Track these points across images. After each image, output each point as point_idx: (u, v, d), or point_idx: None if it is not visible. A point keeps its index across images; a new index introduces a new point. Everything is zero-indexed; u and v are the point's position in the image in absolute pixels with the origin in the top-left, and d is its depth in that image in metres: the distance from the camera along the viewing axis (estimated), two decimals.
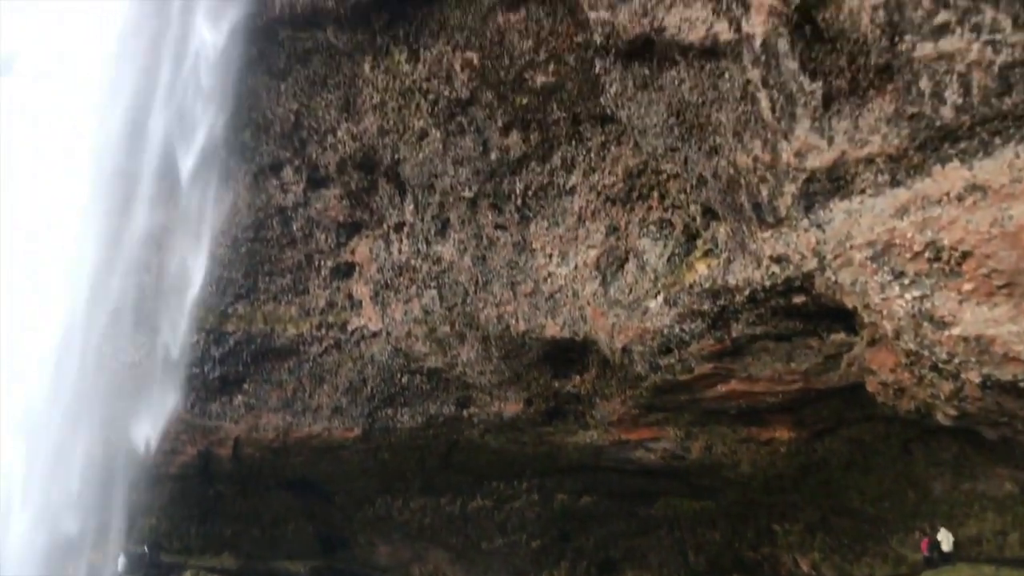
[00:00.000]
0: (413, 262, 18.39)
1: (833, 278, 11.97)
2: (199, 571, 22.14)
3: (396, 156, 17.79)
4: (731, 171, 12.57)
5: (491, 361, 18.07)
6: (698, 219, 14.45)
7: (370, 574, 22.68)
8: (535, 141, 15.94)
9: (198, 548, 21.99)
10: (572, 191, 15.95)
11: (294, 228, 19.71)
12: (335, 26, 17.51)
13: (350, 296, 19.60)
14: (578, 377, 18.02)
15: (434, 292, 18.18)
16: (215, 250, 19.85)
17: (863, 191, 10.86)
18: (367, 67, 17.67)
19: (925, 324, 11.38)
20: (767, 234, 12.48)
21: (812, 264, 12.17)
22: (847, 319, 13.44)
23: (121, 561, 20.59)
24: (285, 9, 17.95)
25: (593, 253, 15.97)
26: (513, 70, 15.45)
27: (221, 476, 21.57)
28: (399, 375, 19.53)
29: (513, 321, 17.25)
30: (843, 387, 15.30)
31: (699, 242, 14.58)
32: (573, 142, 15.60)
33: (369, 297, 19.20)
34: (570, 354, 17.49)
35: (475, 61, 15.94)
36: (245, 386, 21.10)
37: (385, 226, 18.65)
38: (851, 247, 11.33)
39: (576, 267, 16.24)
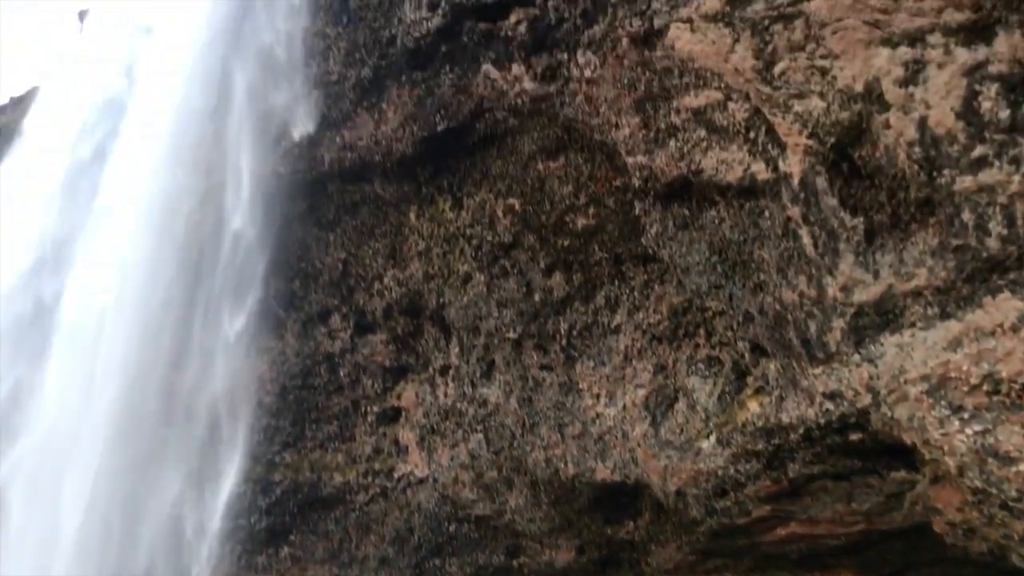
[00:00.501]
0: (459, 405, 18.29)
1: (889, 414, 11.61)
2: None
3: (441, 300, 18.04)
4: (777, 307, 12.49)
5: (540, 507, 17.63)
6: (747, 356, 14.26)
7: None
8: (578, 282, 16.07)
9: None
10: (617, 330, 15.92)
11: (341, 374, 19.83)
12: (382, 179, 18.13)
13: (396, 442, 19.46)
14: (631, 523, 17.45)
15: (480, 436, 17.97)
16: (263, 399, 20.01)
17: (913, 324, 10.66)
18: (413, 216, 18.16)
19: (990, 460, 10.91)
20: (818, 370, 12.23)
21: (866, 400, 11.84)
22: (907, 456, 12.93)
23: None
24: (334, 164, 18.68)
25: (641, 393, 15.76)
26: (554, 214, 15.75)
27: None
28: (447, 523, 19.11)
29: (562, 465, 16.92)
30: (908, 528, 14.57)
31: (749, 379, 14.34)
32: (616, 282, 15.69)
33: (415, 442, 19.04)
34: (622, 498, 17.01)
35: (517, 207, 16.30)
36: (291, 537, 20.78)
37: (431, 370, 18.68)
38: (905, 382, 11.03)
39: (624, 407, 16.01)
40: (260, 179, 19.47)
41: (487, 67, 15.64)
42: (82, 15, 29.92)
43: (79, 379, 19.55)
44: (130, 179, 20.94)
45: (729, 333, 14.36)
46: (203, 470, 20.08)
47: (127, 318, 19.50)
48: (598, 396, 16.23)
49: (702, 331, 14.89)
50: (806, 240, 11.46)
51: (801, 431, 13.33)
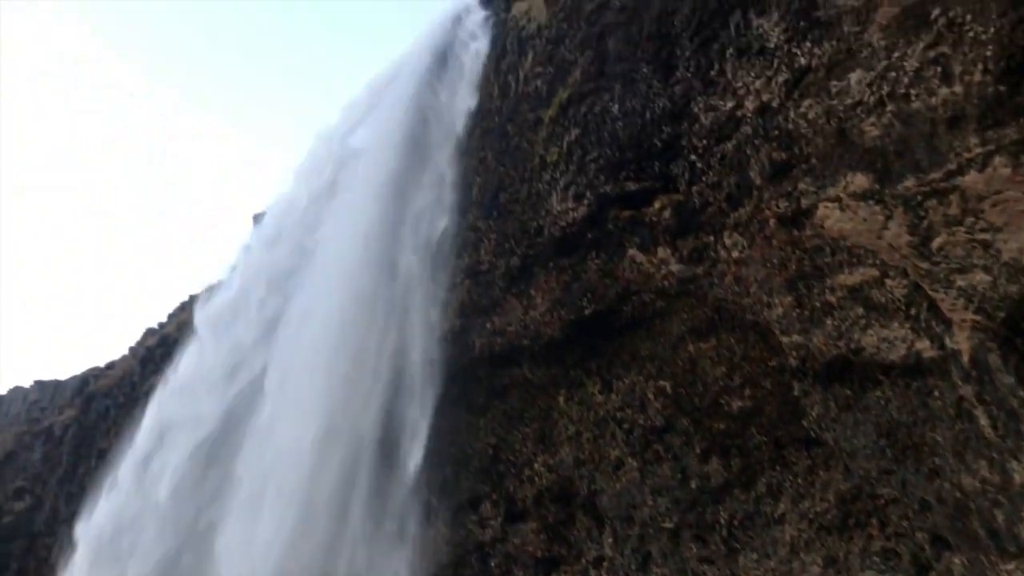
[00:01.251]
0: None
1: None
2: None
3: (593, 487, 17.59)
4: (957, 495, 11.50)
5: None
6: (927, 548, 13.06)
7: None
8: (737, 467, 15.37)
9: None
10: (781, 519, 14.98)
11: (492, 565, 19.37)
12: (530, 362, 18.26)
13: None
14: None
15: None
16: None
17: None
18: (562, 399, 18.09)
19: None
20: (1011, 566, 11.06)
21: None
22: None
23: None
24: (484, 349, 19.02)
25: None
26: (708, 396, 15.33)
27: None
28: None
29: None
30: None
31: (932, 575, 13.08)
32: (778, 467, 14.90)
33: None
34: None
35: (668, 389, 16.00)
36: None
37: (584, 561, 18.00)
38: None
39: None
40: (423, 367, 20.09)
41: (633, 251, 15.81)
42: (257, 217, 32.45)
43: None
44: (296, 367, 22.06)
45: (905, 523, 13.25)
46: None
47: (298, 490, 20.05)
48: None
49: (875, 520, 13.81)
50: (983, 421, 10.66)
51: None
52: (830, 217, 12.12)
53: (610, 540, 17.23)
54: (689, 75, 14.66)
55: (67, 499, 35.67)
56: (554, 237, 17.27)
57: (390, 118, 23.24)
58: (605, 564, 17.46)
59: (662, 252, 15.23)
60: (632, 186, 15.60)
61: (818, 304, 12.76)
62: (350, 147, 24.59)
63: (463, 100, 21.82)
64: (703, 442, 15.57)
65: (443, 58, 23.07)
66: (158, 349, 35.29)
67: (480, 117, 21.23)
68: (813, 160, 12.28)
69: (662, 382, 15.98)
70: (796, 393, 13.61)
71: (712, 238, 14.32)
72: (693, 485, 15.71)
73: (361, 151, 23.80)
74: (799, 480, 14.56)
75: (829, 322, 12.61)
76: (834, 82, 11.72)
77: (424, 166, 21.72)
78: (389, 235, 21.32)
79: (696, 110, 14.37)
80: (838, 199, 11.87)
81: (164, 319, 42.53)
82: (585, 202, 16.43)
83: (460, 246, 20.80)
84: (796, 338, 12.98)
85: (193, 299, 35.68)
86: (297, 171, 26.86)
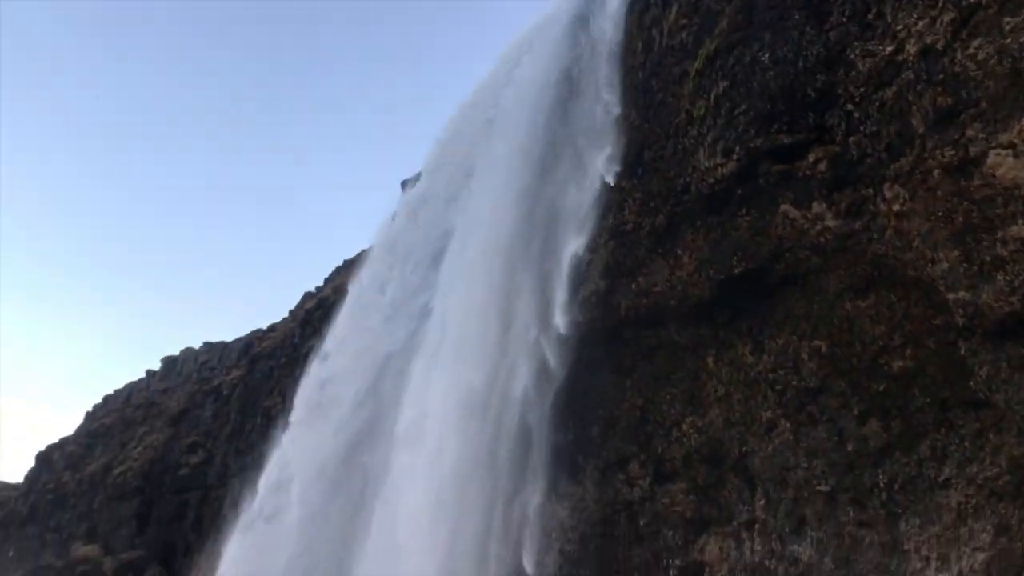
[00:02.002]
0: (767, 563, 17.09)
1: None
2: None
3: (744, 449, 17.25)
4: None
5: None
6: None
7: None
8: (897, 430, 14.71)
9: None
10: (947, 484, 14.26)
11: (641, 524, 19.36)
12: (678, 324, 18.01)
13: None
14: None
15: None
16: (564, 546, 19.92)
17: None
18: (711, 361, 17.77)
19: None
20: None
21: None
22: None
23: None
24: (630, 311, 18.88)
25: (981, 557, 13.86)
26: (866, 356, 14.72)
27: None
28: None
29: None
30: None
31: None
32: (942, 430, 14.16)
33: None
34: None
35: (823, 349, 15.45)
36: None
37: (735, 523, 17.73)
38: None
39: (960, 572, 14.15)
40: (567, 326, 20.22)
41: (786, 207, 15.28)
42: (404, 183, 33.27)
43: None
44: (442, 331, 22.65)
45: None
46: None
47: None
48: (928, 559, 14.48)
49: None
50: None
51: None
52: (1002, 165, 11.33)
53: (762, 502, 16.89)
54: (844, 20, 13.97)
55: (236, 454, 37.93)
56: (702, 194, 16.89)
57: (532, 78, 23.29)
58: (757, 527, 17.15)
59: (817, 207, 14.66)
60: (784, 139, 15.06)
61: (988, 258, 11.99)
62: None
63: (604, 58, 21.60)
64: (861, 404, 14.97)
65: (583, 19, 22.87)
66: (316, 312, 36.85)
67: (623, 74, 20.93)
68: (983, 104, 11.49)
69: (817, 342, 15.44)
70: (963, 353, 12.87)
71: (871, 191, 13.66)
72: (850, 448, 15.16)
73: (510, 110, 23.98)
74: (966, 444, 13.80)
75: (1000, 277, 11.83)
76: (1007, 19, 10.90)
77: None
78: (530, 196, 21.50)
79: (852, 57, 13.70)
80: (1011, 145, 11.08)
81: (321, 283, 44.39)
82: (734, 157, 15.97)
83: (604, 207, 20.68)
84: (963, 294, 12.25)
85: (348, 264, 37.01)
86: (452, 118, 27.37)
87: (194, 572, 34.79)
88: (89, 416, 60.76)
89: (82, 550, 43.21)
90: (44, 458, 57.78)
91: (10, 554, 47.42)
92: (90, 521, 45.34)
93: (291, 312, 45.26)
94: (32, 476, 57.32)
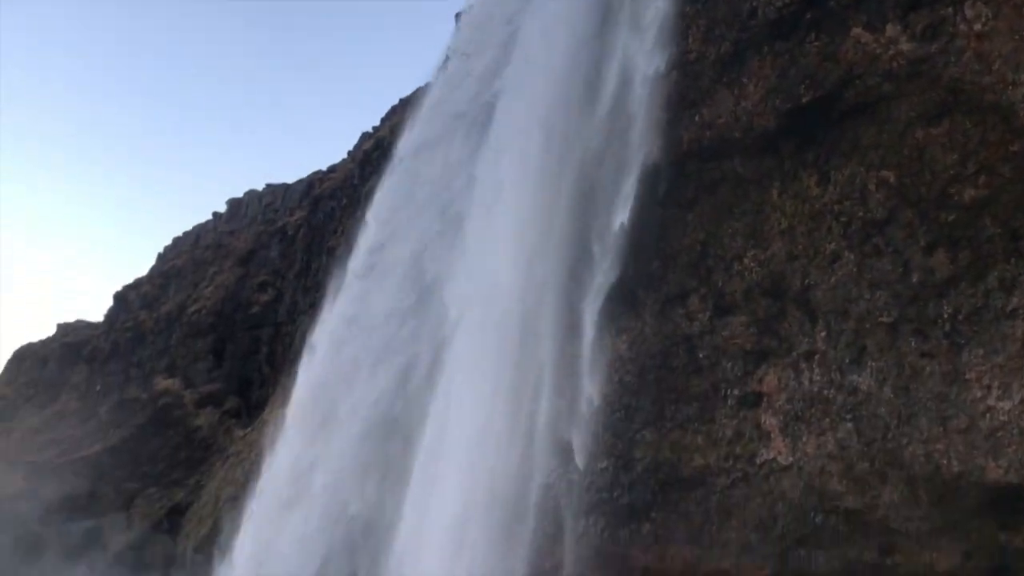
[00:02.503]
0: (826, 392, 17.34)
1: None
2: None
3: (806, 281, 17.19)
4: None
5: (919, 505, 16.19)
6: None
7: None
8: (965, 260, 14.48)
9: None
10: (1013, 315, 14.14)
11: (700, 356, 19.64)
12: (742, 155, 17.65)
13: (758, 427, 18.87)
14: None
15: (850, 425, 16.89)
16: (623, 377, 20.37)
17: None
18: (775, 193, 17.49)
19: None
20: None
21: None
22: None
23: None
24: (693, 144, 18.52)
25: None
26: (936, 186, 14.35)
27: None
28: (812, 514, 18.21)
29: (944, 461, 15.42)
30: None
31: None
32: (1012, 260, 13.91)
33: (778, 429, 18.34)
34: (1018, 503, 15.17)
35: (892, 179, 15.09)
36: (652, 514, 20.95)
37: (794, 354, 17.89)
38: None
39: (1022, 401, 14.22)
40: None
41: (857, 31, 14.60)
42: (458, 16, 32.39)
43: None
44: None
45: None
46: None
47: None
48: (989, 388, 14.54)
49: None
50: None
51: None
52: None
53: (823, 334, 16.95)
54: None
55: (303, 292, 39.04)
56: (769, 19, 16.20)
57: None
58: (816, 358, 17.29)
59: (891, 30, 13.98)
60: None
61: None
62: None
63: None
64: (928, 234, 14.71)
65: None
66: (374, 152, 36.91)
67: None
68: None
69: (885, 172, 15.05)
70: None
71: (950, 10, 12.96)
72: (915, 279, 15.01)
73: None
74: None
75: None
76: None
77: None
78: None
79: None
80: None
81: (378, 123, 44.19)
82: None
83: (666, 36, 19.96)
84: None
85: (404, 102, 36.64)
86: None
87: (269, 404, 36.53)
88: (161, 257, 62.68)
89: (164, 383, 45.57)
90: (121, 298, 60.13)
91: (97, 388, 50.23)
92: (169, 357, 47.59)
93: (350, 153, 45.40)
94: (111, 315, 59.83)
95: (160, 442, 42.36)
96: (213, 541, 31.91)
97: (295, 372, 30.13)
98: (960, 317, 14.60)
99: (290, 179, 51.69)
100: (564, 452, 21.12)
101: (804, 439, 17.91)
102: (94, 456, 41.81)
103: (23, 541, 36.32)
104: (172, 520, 37.82)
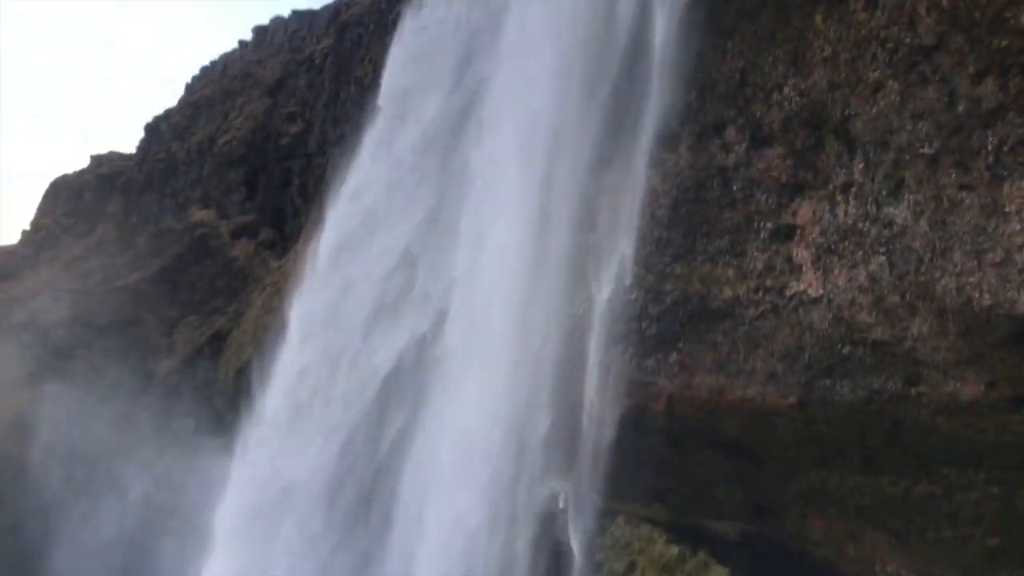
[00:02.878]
0: (860, 225, 17.19)
1: None
2: (631, 518, 23.11)
3: (846, 112, 16.72)
4: None
5: (947, 337, 16.32)
6: None
7: (801, 547, 21.90)
8: (1015, 89, 13.93)
9: (631, 496, 22.89)
10: None
11: (734, 189, 19.45)
12: None
13: (790, 260, 18.88)
14: None
15: (883, 258, 16.82)
16: (656, 211, 20.28)
17: None
18: (819, 18, 16.83)
19: None
20: None
21: None
22: None
23: (562, 498, 22.12)
24: None
25: None
26: (991, 9, 13.66)
27: (654, 430, 22.08)
28: (840, 345, 18.46)
29: (976, 294, 15.38)
30: None
31: None
32: None
33: (810, 261, 18.33)
34: None
35: (944, 2, 14.37)
36: (680, 345, 21.39)
37: (831, 186, 17.64)
38: None
39: None
40: None
41: None
42: None
43: None
44: None
45: None
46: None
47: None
48: None
49: None
50: None
51: None
52: None
53: (860, 166, 16.63)
54: None
55: (333, 123, 38.68)
56: None
57: None
58: (853, 190, 17.04)
59: None
60: None
61: None
62: None
63: None
64: (978, 61, 14.12)
65: None
66: None
67: None
68: None
69: None
70: None
71: None
72: (960, 108, 14.53)
73: None
74: None
75: None
76: None
77: None
78: None
79: None
80: None
81: None
82: None
83: None
84: None
85: None
86: None
87: (303, 235, 36.97)
88: (189, 88, 62.00)
89: (198, 214, 46.06)
90: (153, 129, 59.97)
91: (134, 219, 50.89)
92: (202, 187, 47.86)
93: None
94: (144, 146, 59.85)
95: (198, 271, 43.26)
96: (252, 367, 33.14)
97: (325, 209, 30.25)
98: (1005, 148, 14.21)
99: (316, 4, 50.29)
100: (592, 283, 21.34)
101: (835, 272, 17.90)
102: (135, 284, 42.87)
103: (70, 366, 37.87)
104: (213, 347, 39.12)
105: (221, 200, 46.87)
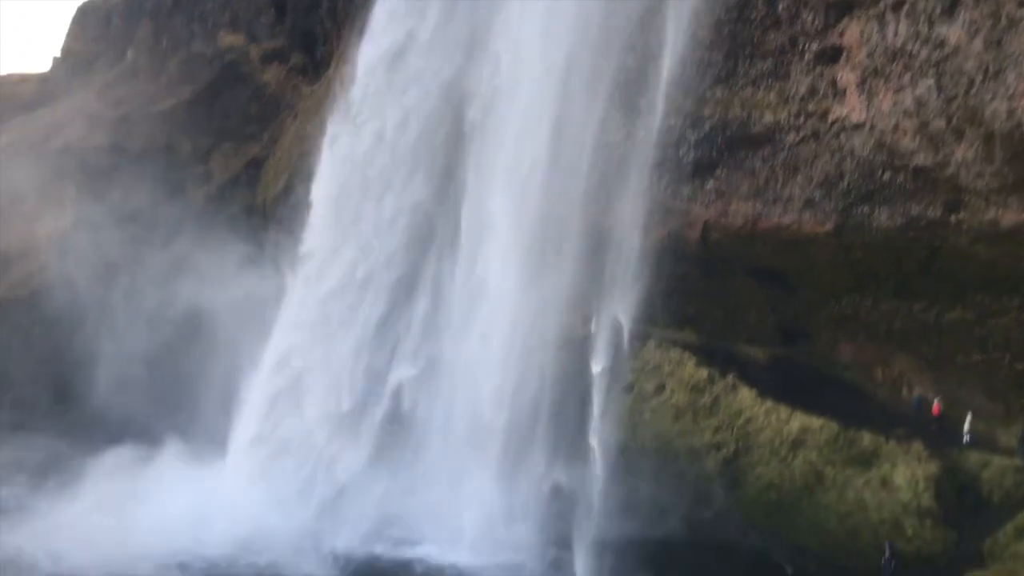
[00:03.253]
0: (910, 47, 16.53)
1: None
2: (662, 342, 23.52)
3: None
4: None
5: (992, 162, 15.94)
6: None
7: (830, 369, 22.31)
8: None
9: (663, 321, 23.18)
10: None
11: (779, 8, 18.67)
12: None
13: (834, 83, 18.32)
14: None
15: (931, 81, 16.28)
16: (697, 31, 19.54)
17: None
18: None
19: None
20: None
21: None
22: None
23: (594, 322, 22.39)
24: None
25: None
26: None
27: (688, 257, 22.12)
28: (880, 171, 18.15)
29: None
30: None
31: None
32: None
33: (855, 85, 17.78)
34: None
35: None
36: (717, 171, 21.16)
37: (881, 5, 16.88)
38: None
39: None
40: None
41: None
42: None
43: None
44: None
45: None
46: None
47: None
48: None
49: None
50: None
51: None
52: None
53: None
54: None
55: None
56: None
57: None
58: (905, 8, 16.30)
59: None
60: None
61: None
62: None
63: None
64: None
65: None
66: None
67: None
68: None
69: None
70: None
71: None
72: None
73: None
74: None
75: None
76: None
77: None
78: None
79: None
80: None
81: None
82: None
83: None
84: None
85: None
86: None
87: (334, 61, 36.17)
88: None
89: (228, 39, 45.05)
90: None
91: (164, 44, 50.03)
92: (231, 11, 46.58)
93: None
94: None
95: (231, 97, 42.69)
96: (288, 194, 33.29)
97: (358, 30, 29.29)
98: None
99: None
100: (632, 111, 20.86)
101: (880, 95, 17.35)
102: (169, 110, 42.54)
103: (109, 192, 38.19)
104: (250, 173, 39.13)
105: (251, 23, 45.73)
